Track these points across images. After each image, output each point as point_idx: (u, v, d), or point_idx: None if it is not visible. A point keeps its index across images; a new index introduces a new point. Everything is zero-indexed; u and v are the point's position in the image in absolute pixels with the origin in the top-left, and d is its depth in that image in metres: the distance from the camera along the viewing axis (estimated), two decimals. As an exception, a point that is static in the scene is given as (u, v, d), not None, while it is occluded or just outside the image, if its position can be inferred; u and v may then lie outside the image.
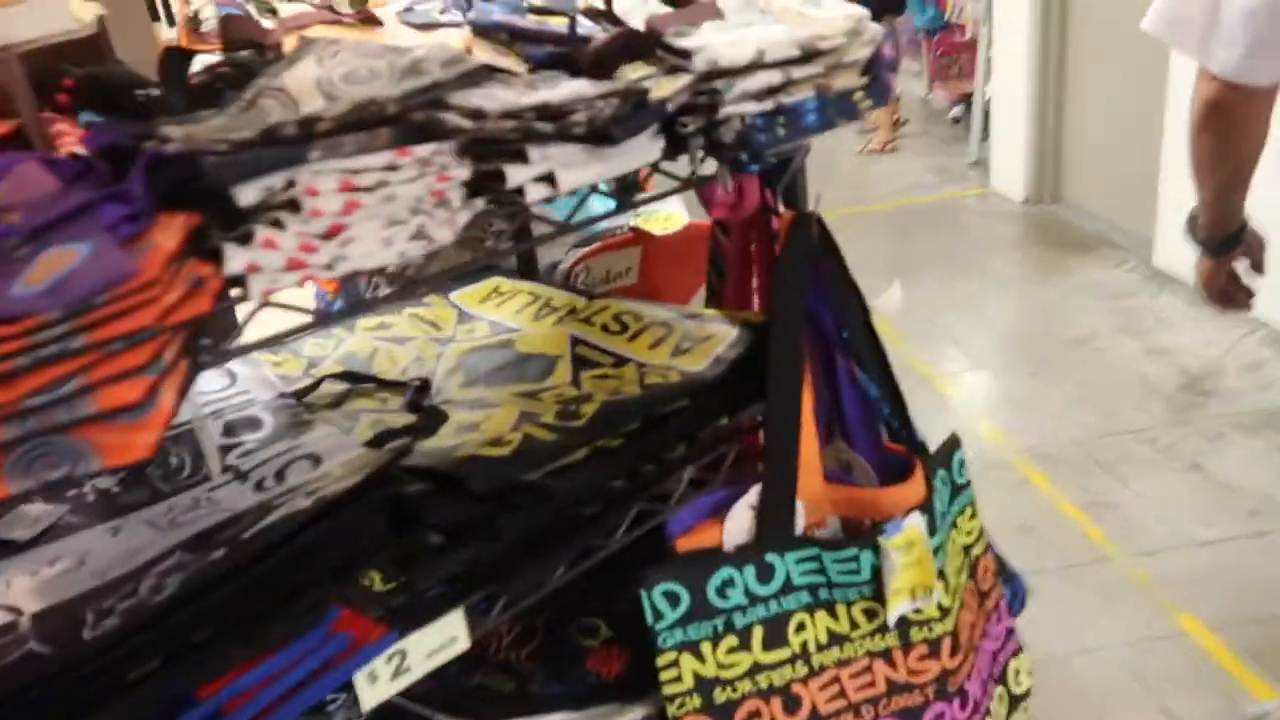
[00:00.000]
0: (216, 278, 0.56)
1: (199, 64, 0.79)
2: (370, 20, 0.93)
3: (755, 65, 0.76)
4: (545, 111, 0.68)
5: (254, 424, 0.96)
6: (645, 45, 0.79)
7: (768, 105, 0.78)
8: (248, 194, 0.56)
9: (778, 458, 0.96)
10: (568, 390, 1.00)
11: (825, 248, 0.94)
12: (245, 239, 0.57)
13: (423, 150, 0.63)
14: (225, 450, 0.89)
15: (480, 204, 0.68)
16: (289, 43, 0.82)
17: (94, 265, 0.50)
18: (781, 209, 0.98)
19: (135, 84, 0.69)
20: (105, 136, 0.63)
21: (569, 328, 1.13)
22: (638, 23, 0.85)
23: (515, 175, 0.68)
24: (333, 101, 0.69)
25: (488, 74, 0.75)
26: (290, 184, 0.57)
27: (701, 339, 1.05)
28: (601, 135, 0.68)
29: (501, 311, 1.22)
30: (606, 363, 1.04)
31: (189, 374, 0.55)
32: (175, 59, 0.73)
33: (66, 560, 0.75)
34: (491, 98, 0.71)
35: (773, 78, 0.77)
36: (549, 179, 0.69)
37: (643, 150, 0.73)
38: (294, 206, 0.58)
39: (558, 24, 0.98)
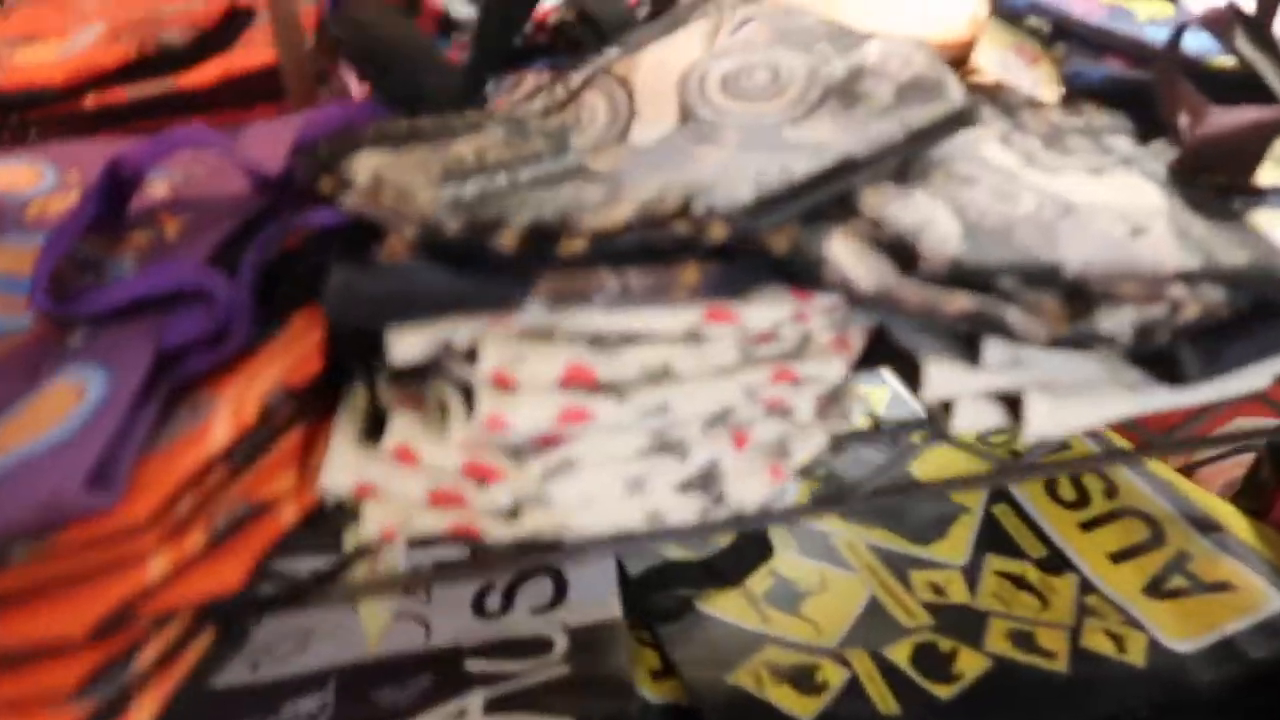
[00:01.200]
0: (294, 501, 0.30)
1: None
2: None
3: None
4: (1050, 277, 0.32)
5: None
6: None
7: None
8: (406, 346, 0.29)
9: None
10: (953, 584, 0.64)
11: None
12: (371, 432, 0.30)
13: (760, 313, 0.31)
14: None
15: (854, 416, 0.35)
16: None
17: (49, 461, 0.27)
18: None
19: (412, 40, 0.44)
20: (315, 130, 0.39)
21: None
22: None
23: (940, 380, 0.34)
24: (690, 120, 0.39)
25: (981, 112, 0.40)
26: (472, 350, 0.29)
27: (1208, 585, 0.63)
28: (1157, 360, 0.32)
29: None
30: (1032, 557, 0.67)
31: (213, 651, 0.31)
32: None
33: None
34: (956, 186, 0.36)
35: None
36: (1011, 403, 0.34)
37: (1243, 380, 0.35)
38: (467, 392, 0.30)
39: (1148, 18, 0.57)
